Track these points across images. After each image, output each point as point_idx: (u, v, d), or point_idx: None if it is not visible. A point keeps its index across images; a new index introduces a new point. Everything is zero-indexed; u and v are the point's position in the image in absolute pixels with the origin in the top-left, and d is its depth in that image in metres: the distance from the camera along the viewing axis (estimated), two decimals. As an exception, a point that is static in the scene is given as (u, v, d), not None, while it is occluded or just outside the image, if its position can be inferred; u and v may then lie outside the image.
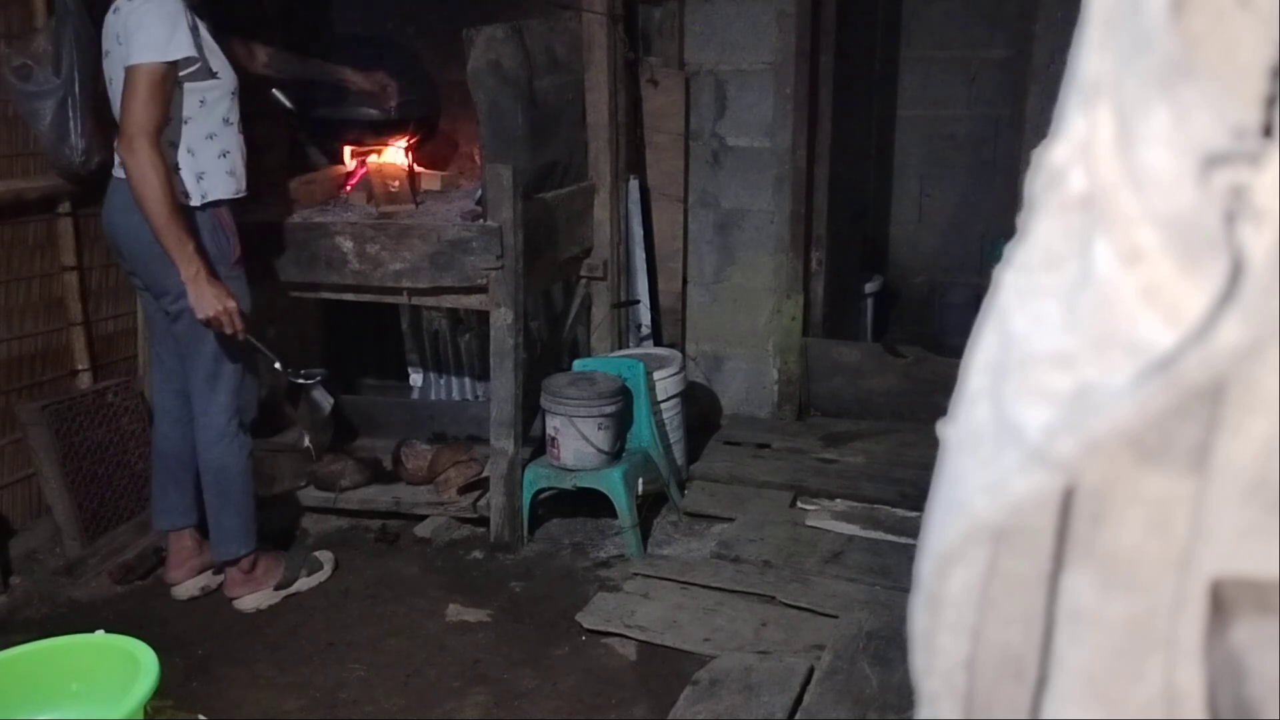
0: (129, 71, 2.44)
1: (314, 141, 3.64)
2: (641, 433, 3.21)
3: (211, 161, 2.63)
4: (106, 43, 2.59)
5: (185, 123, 2.59)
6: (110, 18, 2.57)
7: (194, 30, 2.51)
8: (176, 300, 2.61)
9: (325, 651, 2.64)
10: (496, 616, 2.78)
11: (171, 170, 2.52)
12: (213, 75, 2.60)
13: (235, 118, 2.68)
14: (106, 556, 3.04)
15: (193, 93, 2.58)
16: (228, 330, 2.60)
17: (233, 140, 2.68)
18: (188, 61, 2.51)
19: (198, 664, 2.57)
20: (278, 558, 2.93)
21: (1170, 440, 0.35)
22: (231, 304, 2.58)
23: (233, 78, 2.66)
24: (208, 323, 2.58)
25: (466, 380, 3.97)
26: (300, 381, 2.93)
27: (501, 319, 3.05)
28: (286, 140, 3.59)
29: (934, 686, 0.43)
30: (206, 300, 2.54)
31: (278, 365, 2.81)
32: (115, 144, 2.53)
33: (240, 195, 2.72)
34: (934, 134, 5.08)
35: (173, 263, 2.51)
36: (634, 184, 3.79)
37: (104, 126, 2.82)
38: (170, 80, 2.49)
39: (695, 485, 3.49)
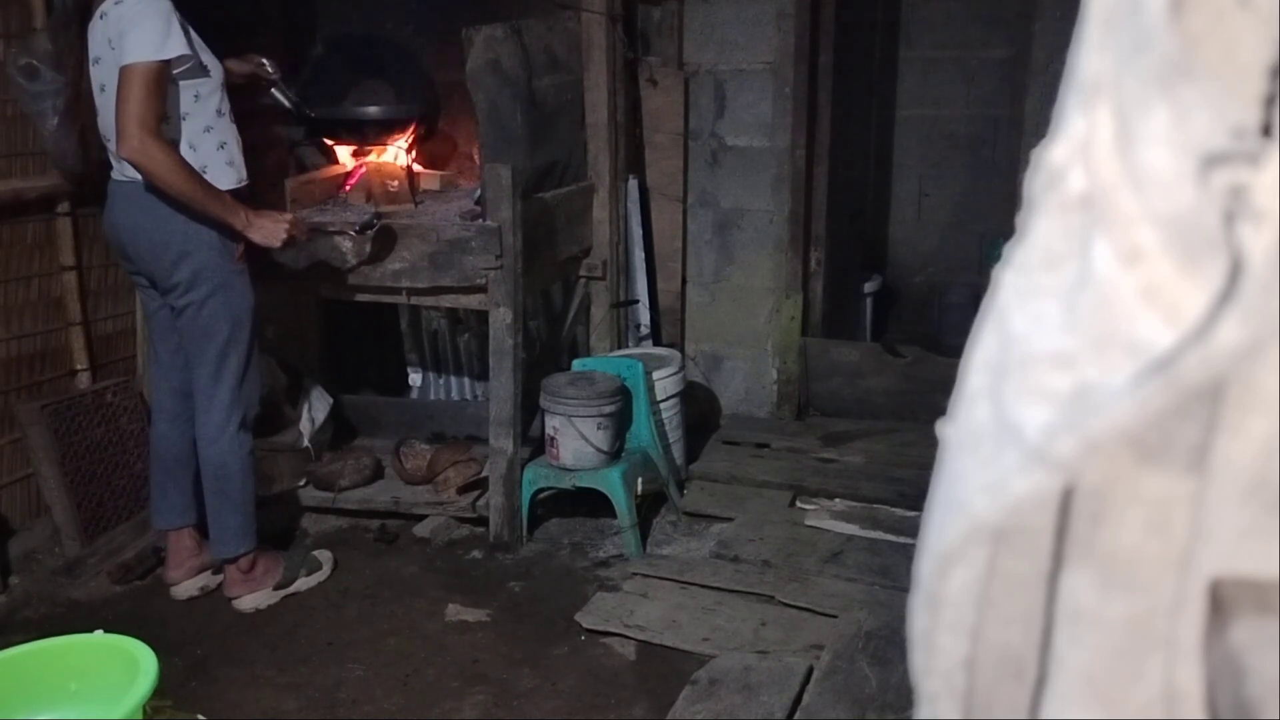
0: (124, 71, 2.43)
1: (313, 141, 3.63)
2: (641, 432, 3.21)
3: (212, 154, 2.64)
4: (96, 50, 2.58)
5: (184, 119, 2.60)
6: (97, 23, 2.56)
7: (185, 28, 2.52)
8: (185, 294, 2.63)
9: (324, 651, 2.64)
10: (496, 616, 2.78)
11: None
12: (204, 69, 2.62)
13: (226, 108, 2.70)
14: (105, 556, 3.04)
15: (187, 89, 2.59)
16: (301, 236, 2.80)
17: (228, 130, 2.69)
18: (182, 60, 2.52)
19: (197, 664, 2.57)
20: (277, 557, 2.93)
21: (1170, 440, 0.35)
22: (288, 215, 2.77)
23: (220, 70, 2.68)
24: (284, 245, 2.73)
25: (466, 380, 3.97)
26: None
27: (500, 319, 3.05)
28: (286, 140, 3.59)
29: (933, 686, 0.43)
30: (269, 229, 2.69)
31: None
32: (114, 148, 2.52)
33: (243, 184, 2.73)
34: (933, 134, 5.08)
35: (225, 224, 2.61)
36: (633, 184, 3.79)
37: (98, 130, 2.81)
38: (165, 78, 2.49)
39: (694, 485, 3.49)
